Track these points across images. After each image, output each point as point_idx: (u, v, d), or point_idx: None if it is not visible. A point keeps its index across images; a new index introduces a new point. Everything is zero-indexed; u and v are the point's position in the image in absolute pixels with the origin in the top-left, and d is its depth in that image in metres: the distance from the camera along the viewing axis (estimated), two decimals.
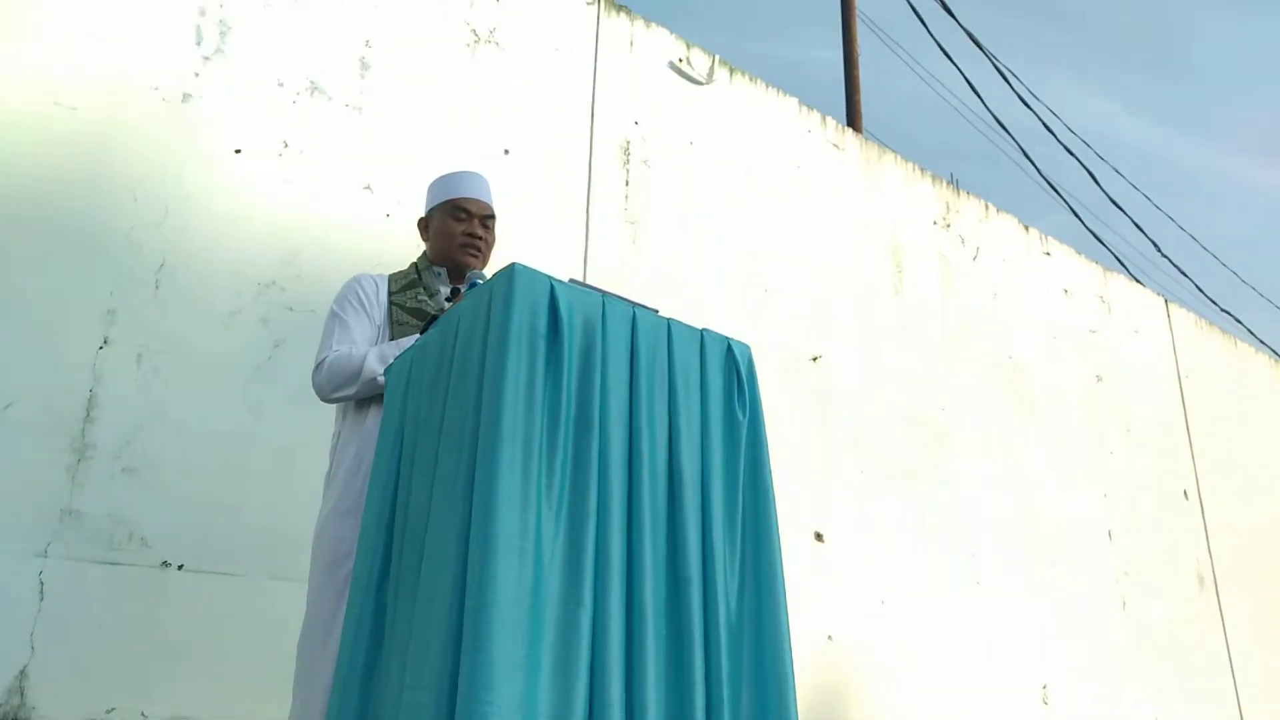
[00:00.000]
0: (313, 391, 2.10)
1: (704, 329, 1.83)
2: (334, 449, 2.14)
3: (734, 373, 1.83)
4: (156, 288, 2.82)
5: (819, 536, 4.14)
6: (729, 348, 1.84)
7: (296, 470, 2.79)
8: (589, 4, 4.21)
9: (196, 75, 3.05)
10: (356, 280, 2.19)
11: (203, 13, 3.12)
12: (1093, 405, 5.76)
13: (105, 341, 2.70)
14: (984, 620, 4.63)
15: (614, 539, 1.53)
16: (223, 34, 3.14)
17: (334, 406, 2.17)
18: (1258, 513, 6.67)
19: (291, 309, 2.99)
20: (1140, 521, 5.71)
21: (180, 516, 2.67)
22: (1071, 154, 14.78)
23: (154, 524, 2.63)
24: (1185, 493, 6.12)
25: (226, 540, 2.71)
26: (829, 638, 4.01)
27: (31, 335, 2.61)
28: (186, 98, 3.02)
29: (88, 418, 2.62)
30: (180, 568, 2.64)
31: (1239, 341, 7.26)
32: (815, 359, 4.43)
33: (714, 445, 1.74)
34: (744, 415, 1.82)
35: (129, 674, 2.51)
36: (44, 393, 2.59)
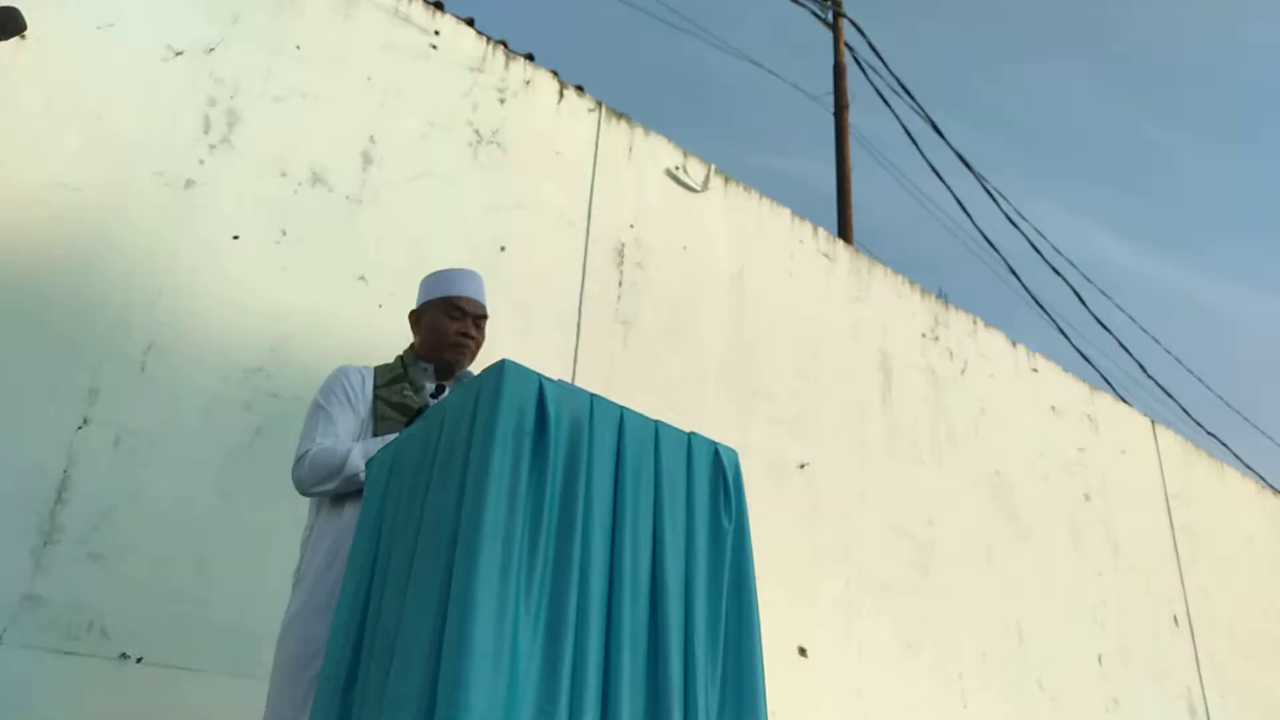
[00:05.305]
0: (290, 482, 2.05)
1: (692, 432, 1.80)
2: (305, 543, 2.07)
3: (721, 478, 1.80)
4: (142, 369, 2.79)
5: (802, 651, 4.03)
6: (716, 452, 1.82)
7: (267, 563, 2.71)
8: (590, 110, 4.33)
9: (201, 163, 3.10)
10: (342, 372, 2.16)
11: (213, 103, 3.19)
12: (1081, 524, 5.71)
13: (85, 421, 2.65)
14: None
15: (592, 648, 1.47)
16: (230, 124, 3.20)
17: (307, 499, 2.12)
18: (1249, 642, 6.54)
19: (276, 395, 2.96)
20: (1130, 647, 5.59)
21: (143, 607, 2.57)
22: (1058, 273, 15.08)
23: (116, 613, 2.53)
24: (1175, 618, 6.01)
25: (189, 633, 2.61)
26: None
27: (10, 411, 2.56)
28: (189, 184, 3.05)
29: (59, 499, 2.55)
30: (139, 660, 2.53)
31: (1226, 465, 7.25)
32: (802, 466, 4.39)
33: (698, 553, 1.69)
34: (730, 523, 1.78)
35: None
36: (16, 471, 2.53)
